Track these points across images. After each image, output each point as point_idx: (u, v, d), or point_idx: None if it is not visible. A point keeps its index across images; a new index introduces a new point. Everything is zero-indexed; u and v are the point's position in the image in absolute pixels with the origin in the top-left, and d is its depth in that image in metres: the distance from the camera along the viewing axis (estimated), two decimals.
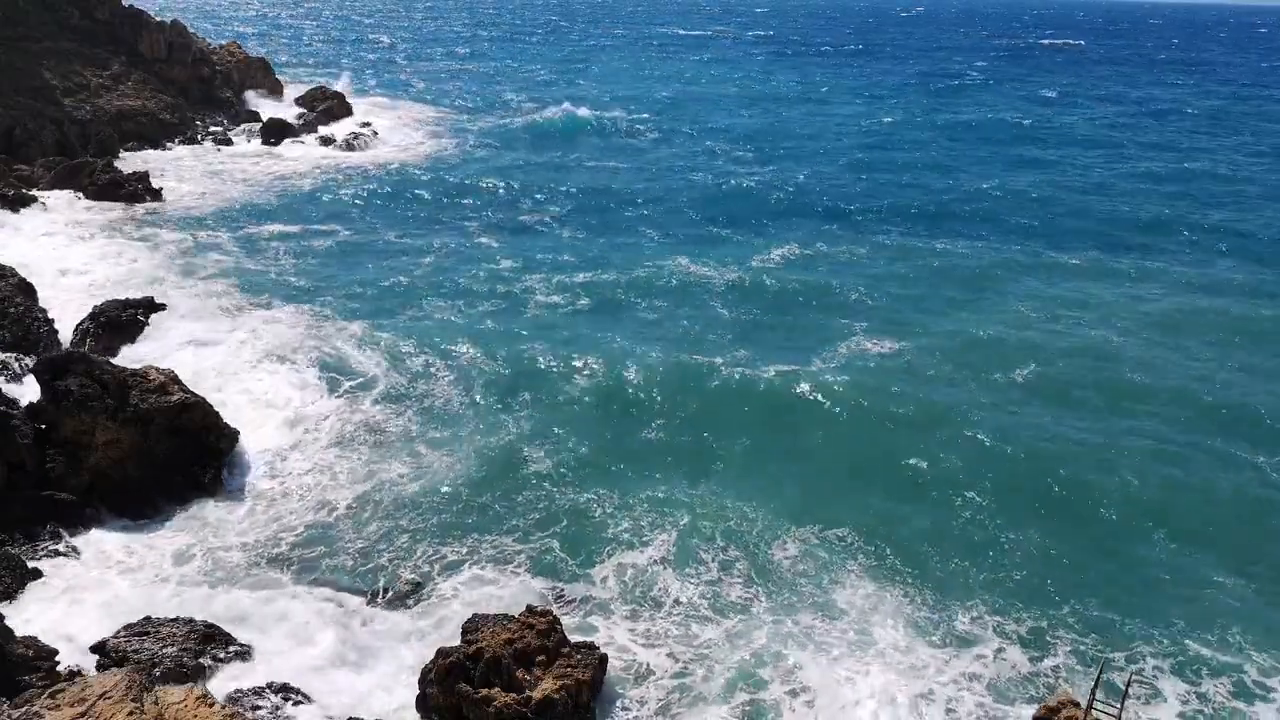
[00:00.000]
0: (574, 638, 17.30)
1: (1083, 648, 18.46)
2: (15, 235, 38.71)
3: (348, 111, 71.49)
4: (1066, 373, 30.36)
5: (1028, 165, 63.84)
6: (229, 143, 61.14)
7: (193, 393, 23.51)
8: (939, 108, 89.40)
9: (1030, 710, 16.23)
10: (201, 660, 16.45)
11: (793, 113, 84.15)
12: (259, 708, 15.37)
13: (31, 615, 17.80)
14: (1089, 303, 36.91)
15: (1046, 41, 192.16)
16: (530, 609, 17.18)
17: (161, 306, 31.36)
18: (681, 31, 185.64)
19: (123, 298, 31.21)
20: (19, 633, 16.42)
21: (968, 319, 34.78)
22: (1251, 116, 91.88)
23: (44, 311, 29.48)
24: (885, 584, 20.00)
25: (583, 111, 74.22)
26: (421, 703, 16.29)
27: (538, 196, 51.80)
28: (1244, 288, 39.87)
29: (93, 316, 29.72)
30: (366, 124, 67.54)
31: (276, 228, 43.25)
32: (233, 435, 23.79)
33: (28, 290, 29.90)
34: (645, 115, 77.42)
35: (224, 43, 78.60)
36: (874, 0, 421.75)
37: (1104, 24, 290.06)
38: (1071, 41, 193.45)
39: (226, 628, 17.53)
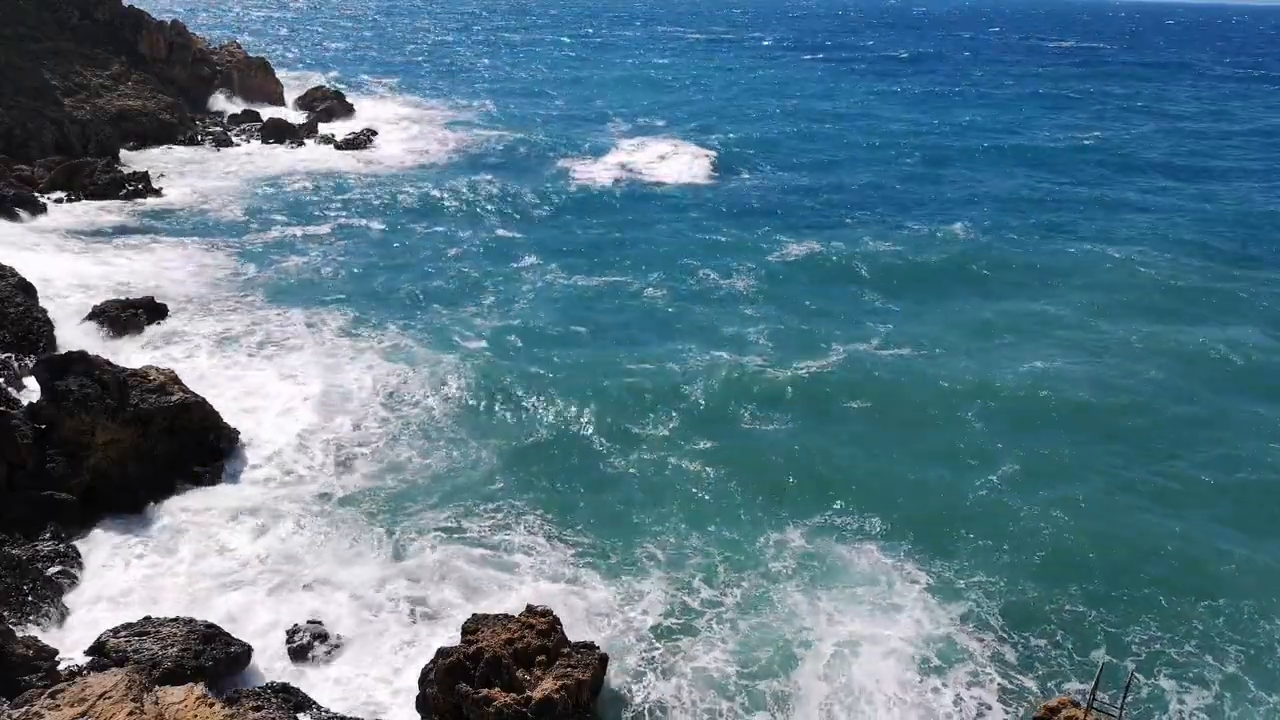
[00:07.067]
0: (575, 635, 17.25)
1: (1083, 646, 18.42)
2: (15, 235, 38.68)
3: (348, 112, 71.50)
4: (1078, 370, 30.50)
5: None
6: (229, 143, 61.08)
7: (193, 392, 23.51)
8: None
9: (1030, 710, 16.22)
10: (201, 660, 16.43)
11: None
12: (259, 708, 15.32)
13: (32, 615, 17.75)
14: (1099, 299, 37.38)
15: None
16: (530, 609, 17.14)
17: (162, 307, 31.37)
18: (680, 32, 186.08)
19: (123, 298, 31.22)
20: (19, 633, 16.43)
21: (991, 312, 35.44)
22: None
23: (44, 311, 29.47)
24: (886, 580, 19.95)
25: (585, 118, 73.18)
26: (421, 703, 16.27)
27: (546, 195, 51.62)
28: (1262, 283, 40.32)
29: (93, 316, 29.74)
30: (367, 125, 67.47)
31: (276, 227, 43.25)
32: (233, 435, 23.82)
33: (28, 290, 29.88)
34: (648, 115, 77.38)
35: (224, 43, 78.59)
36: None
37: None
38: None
39: (226, 628, 17.52)
